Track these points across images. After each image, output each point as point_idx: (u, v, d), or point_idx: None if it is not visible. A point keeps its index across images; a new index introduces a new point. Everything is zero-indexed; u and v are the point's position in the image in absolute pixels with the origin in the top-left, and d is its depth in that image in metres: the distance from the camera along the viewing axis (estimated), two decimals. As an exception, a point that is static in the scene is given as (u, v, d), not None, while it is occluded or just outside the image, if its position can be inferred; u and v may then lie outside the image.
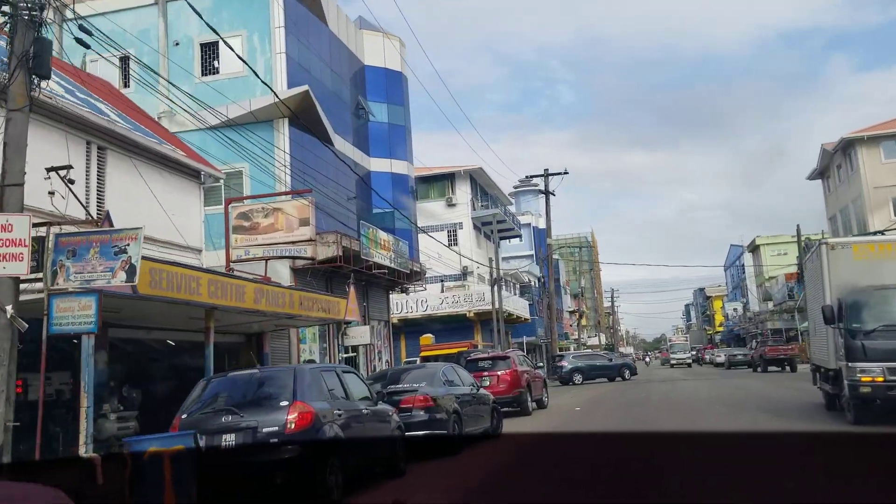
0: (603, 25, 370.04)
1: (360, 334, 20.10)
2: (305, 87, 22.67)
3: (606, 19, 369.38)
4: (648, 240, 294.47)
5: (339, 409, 8.51)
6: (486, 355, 20.06)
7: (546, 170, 43.85)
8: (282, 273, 22.72)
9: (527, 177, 43.85)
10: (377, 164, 30.65)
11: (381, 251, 26.32)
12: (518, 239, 67.62)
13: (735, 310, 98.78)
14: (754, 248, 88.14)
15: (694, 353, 72.23)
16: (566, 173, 43.19)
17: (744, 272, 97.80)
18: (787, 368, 41.56)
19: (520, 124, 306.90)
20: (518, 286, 66.61)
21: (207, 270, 13.69)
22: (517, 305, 52.28)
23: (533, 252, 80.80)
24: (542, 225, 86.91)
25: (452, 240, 49.66)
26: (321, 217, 23.96)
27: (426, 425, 11.20)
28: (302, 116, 23.74)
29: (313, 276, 23.35)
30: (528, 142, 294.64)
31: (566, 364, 43.02)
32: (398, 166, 31.35)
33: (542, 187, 44.23)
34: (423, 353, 45.44)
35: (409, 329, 47.62)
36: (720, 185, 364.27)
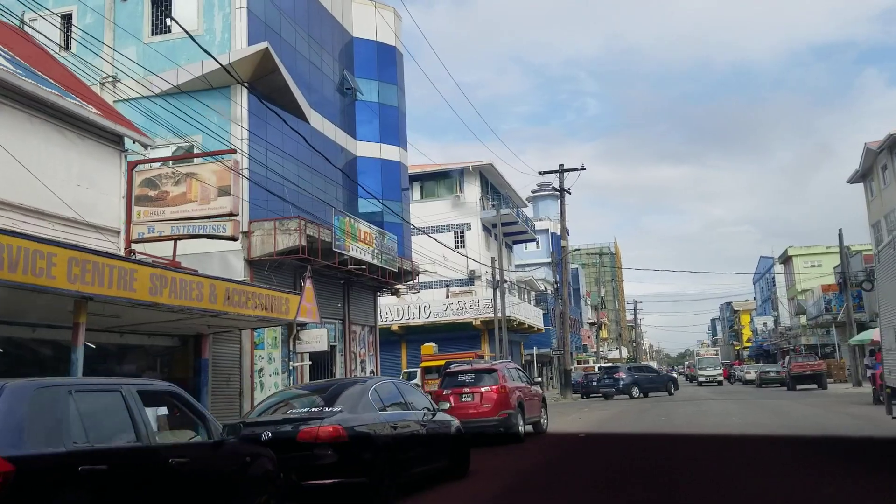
0: (632, 36, 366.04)
1: (314, 339, 16.48)
2: (264, 45, 19.17)
3: (636, 30, 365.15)
4: (674, 255, 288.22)
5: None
6: (467, 368, 16.39)
7: (561, 165, 40.08)
8: (234, 265, 19.20)
9: (540, 173, 40.08)
10: (365, 149, 27.11)
11: (361, 245, 22.73)
12: (534, 245, 63.89)
13: (765, 324, 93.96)
14: (786, 260, 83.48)
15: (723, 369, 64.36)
16: (583, 168, 39.42)
17: (774, 285, 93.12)
18: (816, 386, 38.91)
19: (545, 136, 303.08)
20: (533, 294, 62.75)
21: (70, 246, 10.13)
22: (529, 314, 48.42)
23: (550, 260, 76.90)
24: (565, 238, 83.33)
25: (459, 241, 46.02)
26: (288, 207, 20.45)
27: (335, 471, 7.54)
28: (264, 84, 20.28)
29: (274, 269, 19.79)
30: (553, 154, 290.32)
31: (623, 376, 39.37)
32: (389, 152, 27.78)
33: (558, 187, 40.46)
34: (423, 364, 41.78)
35: (411, 337, 44.01)
36: (748, 200, 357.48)
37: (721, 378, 55.61)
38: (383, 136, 27.70)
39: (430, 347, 42.35)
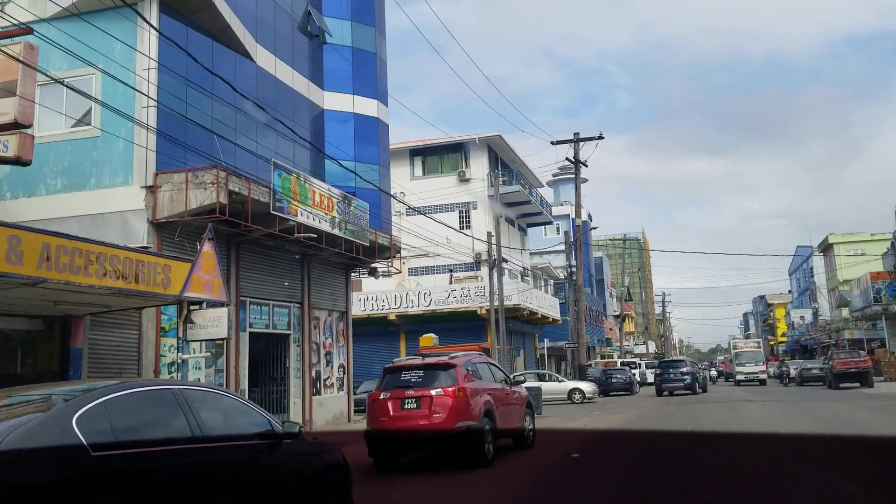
0: (665, 28, 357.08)
1: (210, 322, 12.20)
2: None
3: (668, 21, 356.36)
4: (707, 249, 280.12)
5: None
6: (417, 363, 12.08)
7: (576, 134, 35.47)
8: (135, 229, 15.02)
9: (553, 143, 35.44)
10: (334, 101, 22.82)
11: (317, 210, 18.46)
12: (553, 229, 59.27)
13: (802, 318, 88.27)
14: (826, 248, 77.84)
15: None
16: (601, 137, 34.79)
17: (812, 276, 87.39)
18: (859, 385, 34.87)
19: (576, 129, 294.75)
20: (551, 283, 58.13)
21: None
22: (543, 303, 43.84)
23: (565, 241, 72.13)
24: (582, 216, 78.34)
25: (465, 222, 41.59)
26: (211, 161, 16.26)
27: None
28: (184, 4, 16.07)
29: (190, 236, 15.59)
30: (584, 147, 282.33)
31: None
32: (364, 106, 23.45)
33: (572, 158, 35.85)
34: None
35: (410, 327, 39.75)
36: (783, 194, 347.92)
37: (763, 376, 45.19)
38: (358, 86, 23.38)
39: (429, 339, 38.04)
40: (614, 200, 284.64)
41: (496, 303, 27.19)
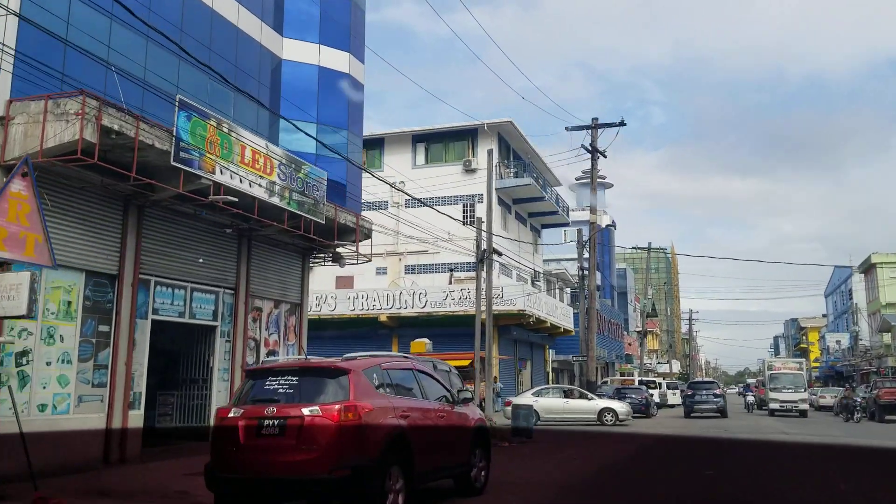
0: (702, 45, 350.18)
1: (5, 292, 8.32)
2: None
3: (705, 39, 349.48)
4: (739, 270, 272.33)
5: None
6: (291, 362, 8.16)
7: (594, 119, 31.31)
8: (-28, 171, 11.24)
9: (568, 129, 31.35)
10: (295, 50, 18.98)
11: (247, 170, 14.62)
12: (573, 233, 54.93)
13: (838, 342, 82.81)
14: (868, 269, 72.65)
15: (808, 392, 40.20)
16: (622, 124, 30.61)
17: (851, 297, 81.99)
18: None
19: (607, 143, 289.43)
20: (567, 291, 53.80)
21: None
22: (554, 310, 39.64)
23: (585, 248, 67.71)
24: (605, 222, 73.83)
25: (469, 216, 37.58)
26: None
27: None
28: None
29: (49, 183, 11.78)
30: (616, 162, 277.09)
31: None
32: (333, 58, 19.59)
33: (589, 146, 31.67)
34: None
35: (404, 331, 35.78)
36: (818, 217, 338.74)
37: (805, 406, 35.60)
38: (326, 35, 19.54)
39: (421, 344, 33.95)
40: (645, 216, 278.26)
41: (484, 303, 23.09)
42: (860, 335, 68.12)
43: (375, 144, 39.58)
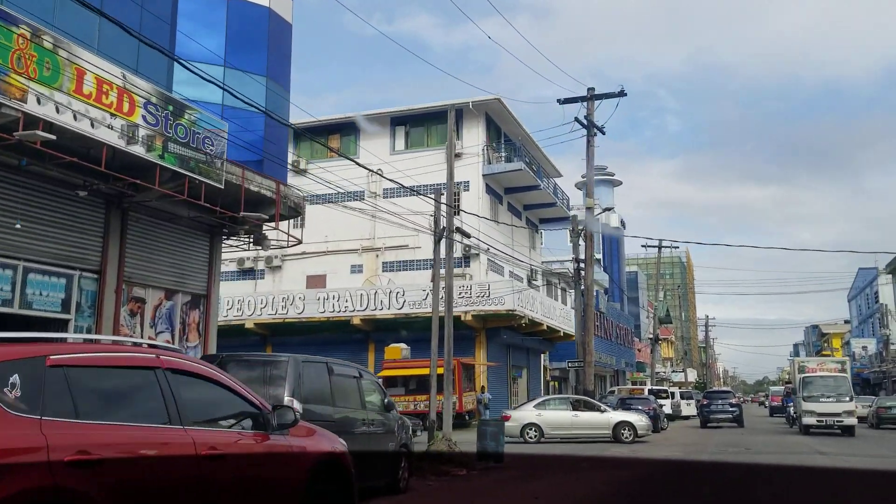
0: (718, 53, 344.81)
1: None
2: None
3: (721, 47, 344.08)
4: (757, 278, 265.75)
5: None
6: None
7: (590, 90, 27.22)
8: None
9: (560, 101, 27.25)
10: (197, -24, 15.06)
11: (92, 105, 10.68)
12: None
13: (864, 348, 77.90)
14: (895, 269, 67.97)
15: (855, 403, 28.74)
16: (623, 94, 26.51)
17: (877, 300, 77.21)
18: None
19: (623, 152, 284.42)
20: (571, 294, 49.50)
21: None
22: (551, 312, 35.48)
23: (601, 256, 63.34)
24: (613, 222, 69.51)
25: (455, 206, 33.50)
26: None
27: None
28: None
29: None
30: (632, 170, 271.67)
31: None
32: (249, -12, 15.65)
33: (584, 120, 27.49)
34: (384, 373, 29.58)
35: (381, 335, 31.78)
36: (837, 224, 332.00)
37: (852, 421, 26.55)
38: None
39: (396, 350, 30.01)
40: (662, 225, 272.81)
41: (443, 294, 18.96)
42: (891, 339, 63.30)
43: (350, 129, 35.70)
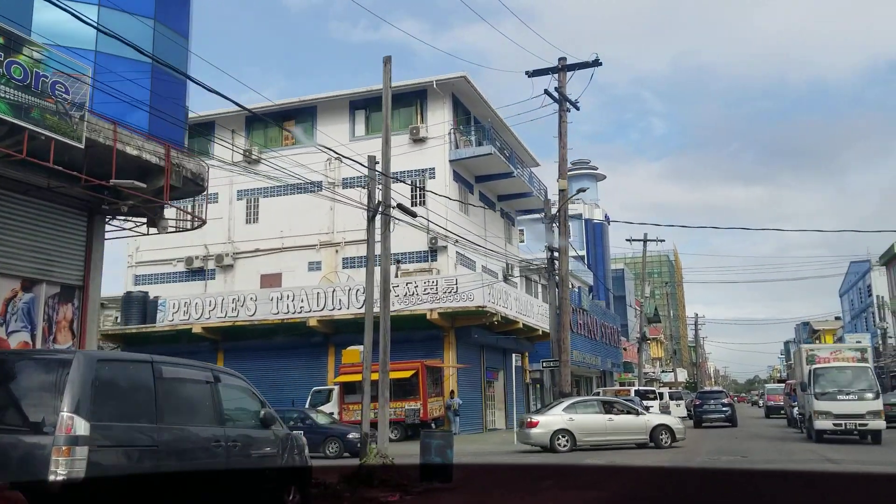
0: (702, 55, 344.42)
1: None
2: None
3: (706, 49, 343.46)
4: (744, 278, 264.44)
5: None
6: None
7: (562, 60, 24.57)
8: None
9: (528, 73, 24.58)
10: None
11: None
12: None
13: (858, 342, 75.67)
14: (889, 261, 65.76)
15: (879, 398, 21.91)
16: (598, 63, 23.86)
17: (870, 294, 75.04)
18: None
19: (610, 155, 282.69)
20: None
21: None
22: (528, 309, 32.83)
23: (585, 252, 60.75)
24: (597, 216, 66.94)
25: (418, 196, 30.86)
26: None
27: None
28: None
29: None
30: (618, 172, 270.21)
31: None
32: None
33: (555, 93, 24.80)
34: (341, 378, 26.89)
35: (341, 337, 28.91)
36: (823, 223, 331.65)
37: (879, 423, 20.83)
38: None
39: (354, 353, 27.09)
40: (648, 226, 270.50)
41: (378, 285, 16.09)
42: (888, 332, 60.99)
43: (307, 114, 32.97)
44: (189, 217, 13.94)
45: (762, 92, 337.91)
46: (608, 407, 21.37)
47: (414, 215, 15.57)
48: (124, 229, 13.88)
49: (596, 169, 69.01)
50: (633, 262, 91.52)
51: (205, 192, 14.12)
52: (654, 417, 22.05)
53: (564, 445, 19.63)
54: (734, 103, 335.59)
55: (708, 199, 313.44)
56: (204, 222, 14.35)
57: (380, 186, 15.60)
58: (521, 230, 59.66)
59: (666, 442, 20.39)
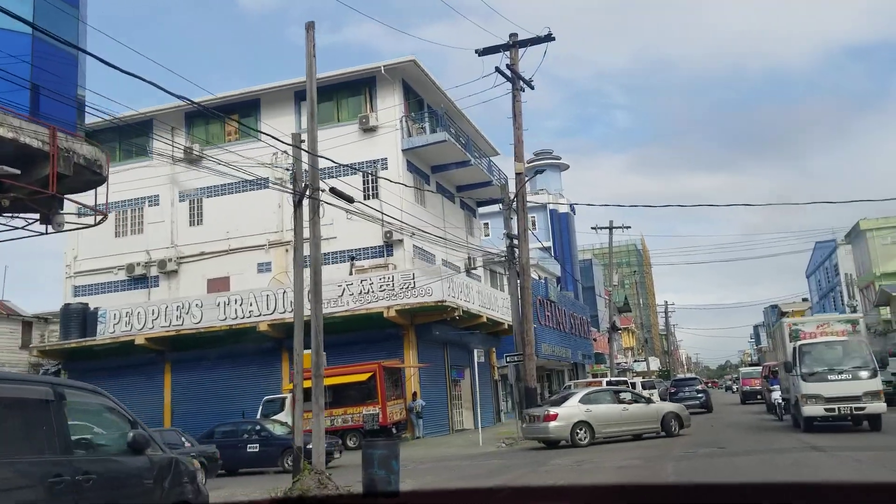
0: (662, 48, 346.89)
1: None
2: None
3: (665, 42, 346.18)
4: (711, 264, 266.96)
5: None
6: None
7: (513, 36, 23.13)
8: None
9: (478, 52, 23.11)
10: None
11: None
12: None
13: (853, 311, 75.55)
14: (855, 237, 65.47)
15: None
16: (550, 38, 22.47)
17: (837, 273, 74.93)
18: None
19: (576, 149, 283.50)
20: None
21: None
22: (492, 303, 31.46)
23: (551, 244, 59.55)
24: (562, 208, 65.83)
25: (371, 188, 29.29)
26: None
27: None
28: None
29: None
30: (585, 165, 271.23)
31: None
32: None
33: (506, 71, 23.35)
34: (291, 385, 25.16)
35: (293, 342, 27.23)
36: (786, 207, 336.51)
37: (879, 406, 17.75)
38: None
39: (307, 357, 25.59)
40: (616, 217, 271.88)
41: (308, 277, 14.47)
42: (858, 309, 60.61)
43: (250, 107, 31.19)
44: (89, 211, 12.22)
45: (720, 82, 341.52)
46: (621, 396, 20.91)
47: (350, 200, 13.98)
48: (15, 228, 12.12)
49: (559, 159, 67.91)
50: (601, 253, 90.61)
51: (104, 183, 12.38)
52: (664, 405, 21.78)
53: (584, 438, 18.94)
54: (695, 94, 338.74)
55: (674, 188, 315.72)
56: (105, 216, 12.61)
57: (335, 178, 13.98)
58: (487, 224, 58.34)
59: (675, 429, 20.00)
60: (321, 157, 13.74)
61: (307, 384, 24.74)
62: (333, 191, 13.32)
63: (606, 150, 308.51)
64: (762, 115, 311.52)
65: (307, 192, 12.93)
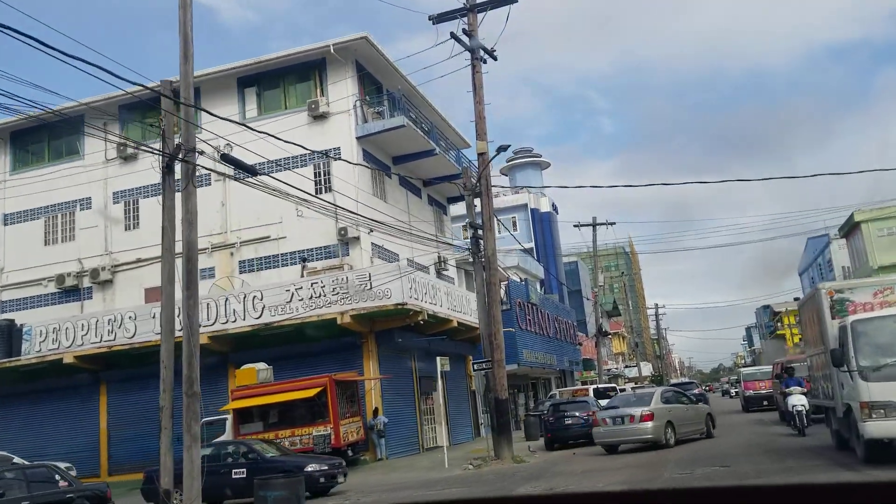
0: (643, 52, 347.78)
1: None
2: None
3: (646, 46, 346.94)
4: (704, 268, 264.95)
5: None
6: None
7: (468, 0, 20.28)
8: None
9: (432, 18, 20.29)
10: None
11: None
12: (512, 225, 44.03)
13: (823, 321, 72.98)
14: (849, 231, 62.92)
15: None
16: (513, 0, 19.67)
17: (831, 269, 72.50)
18: None
19: (562, 156, 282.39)
20: (502, 288, 42.50)
21: None
22: (462, 305, 28.54)
23: (533, 244, 56.66)
24: (544, 207, 62.98)
25: (323, 181, 26.35)
26: None
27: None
28: None
29: None
30: (571, 173, 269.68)
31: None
32: None
33: (479, 63, 20.49)
34: (235, 404, 22.24)
35: (241, 355, 24.08)
36: (774, 207, 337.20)
37: None
38: None
39: (249, 372, 22.30)
40: (603, 225, 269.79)
41: (181, 270, 11.43)
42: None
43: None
44: None
45: (702, 84, 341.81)
46: (678, 396, 20.80)
47: (252, 171, 11.05)
48: None
49: (539, 157, 65.20)
50: (587, 256, 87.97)
51: None
52: (703, 406, 21.91)
53: (671, 438, 18.34)
54: (676, 97, 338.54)
55: (661, 192, 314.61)
56: None
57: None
58: (464, 226, 55.53)
59: (713, 429, 20.56)
60: (193, 106, 10.80)
61: (246, 403, 21.90)
62: (226, 157, 10.41)
63: (593, 157, 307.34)
64: (746, 117, 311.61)
65: (180, 155, 9.97)
